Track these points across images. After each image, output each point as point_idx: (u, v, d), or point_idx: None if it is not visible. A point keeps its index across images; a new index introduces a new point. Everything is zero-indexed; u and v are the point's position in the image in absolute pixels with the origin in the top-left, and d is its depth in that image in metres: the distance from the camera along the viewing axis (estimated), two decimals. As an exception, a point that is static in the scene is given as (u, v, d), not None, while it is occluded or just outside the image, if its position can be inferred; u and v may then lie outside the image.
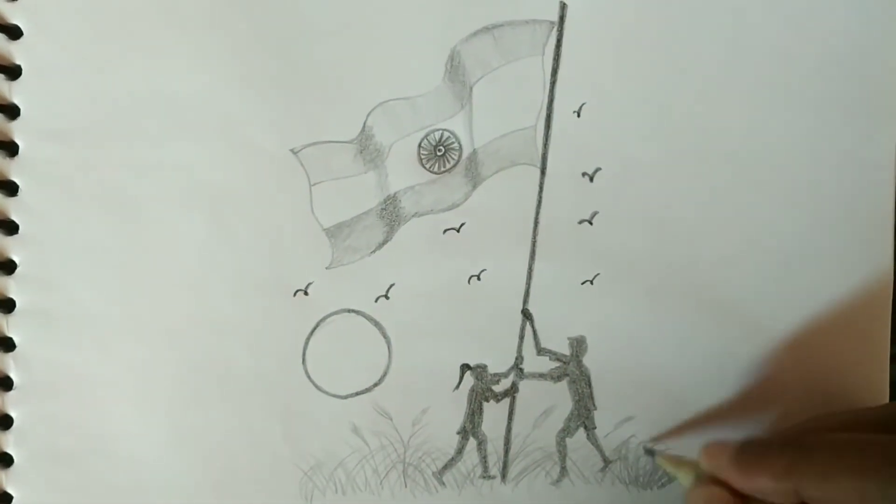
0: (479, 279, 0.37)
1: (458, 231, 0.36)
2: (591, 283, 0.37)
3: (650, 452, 0.37)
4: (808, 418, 0.34)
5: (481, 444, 0.37)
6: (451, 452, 0.37)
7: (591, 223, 0.37)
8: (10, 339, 0.35)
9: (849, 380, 0.38)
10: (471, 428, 0.37)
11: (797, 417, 0.38)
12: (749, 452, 0.30)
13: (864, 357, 0.38)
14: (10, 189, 0.35)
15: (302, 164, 0.36)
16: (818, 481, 0.28)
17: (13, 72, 0.34)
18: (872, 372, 0.38)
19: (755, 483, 0.29)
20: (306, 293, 0.36)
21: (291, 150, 0.36)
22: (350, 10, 0.35)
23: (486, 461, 0.37)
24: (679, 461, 0.34)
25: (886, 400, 0.38)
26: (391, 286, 0.36)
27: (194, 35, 0.35)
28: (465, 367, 0.37)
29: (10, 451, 0.35)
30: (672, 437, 0.37)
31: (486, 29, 0.35)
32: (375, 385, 0.37)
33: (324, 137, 0.36)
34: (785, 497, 0.29)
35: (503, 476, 0.37)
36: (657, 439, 0.37)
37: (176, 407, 0.36)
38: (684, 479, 0.33)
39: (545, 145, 0.36)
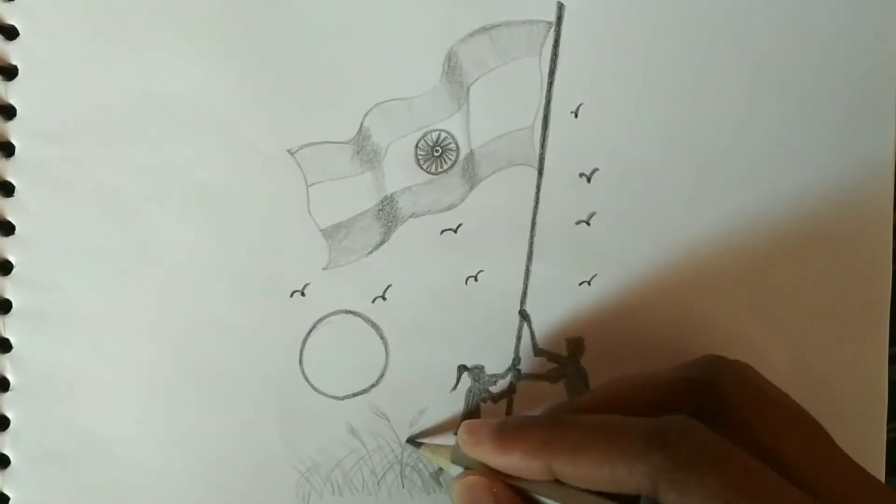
0: (476, 280, 0.36)
1: (455, 232, 0.36)
2: (589, 284, 0.37)
3: (415, 444, 0.36)
4: (585, 394, 0.35)
5: (478, 445, 0.37)
6: (449, 453, 0.37)
7: (588, 224, 0.37)
8: (7, 340, 0.35)
9: (848, 380, 0.38)
10: (468, 429, 0.37)
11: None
12: (508, 428, 0.30)
13: (864, 357, 0.38)
14: (7, 190, 0.35)
15: (299, 165, 0.36)
16: (568, 459, 0.28)
17: (9, 72, 0.34)
18: (872, 372, 0.38)
19: (510, 458, 0.30)
20: (303, 294, 0.36)
21: (288, 151, 0.35)
22: (347, 10, 0.35)
23: (483, 462, 0.37)
24: (437, 447, 0.34)
25: (885, 401, 0.38)
26: (388, 287, 0.36)
27: (191, 36, 0.35)
28: (462, 368, 0.37)
29: (6, 452, 0.35)
30: None
31: (484, 29, 0.35)
32: (373, 386, 0.37)
33: (320, 138, 0.36)
34: (541, 474, 0.29)
35: (500, 477, 0.37)
36: None
37: (172, 408, 0.36)
38: (444, 464, 0.33)
39: (542, 146, 0.36)
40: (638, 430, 0.28)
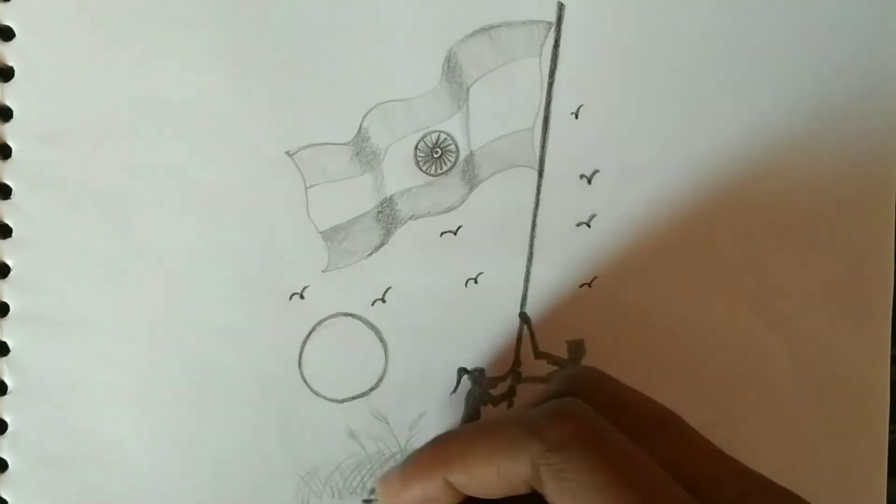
0: (476, 282, 0.36)
1: (455, 234, 0.36)
2: (590, 286, 0.37)
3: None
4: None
5: (479, 449, 0.37)
6: (449, 456, 0.37)
7: (589, 226, 0.36)
8: (4, 343, 0.35)
9: (849, 381, 0.38)
10: (468, 432, 0.37)
11: (796, 418, 0.38)
12: (408, 461, 0.29)
13: (865, 358, 0.38)
14: (3, 192, 0.35)
15: (297, 167, 0.35)
16: (459, 466, 0.27)
17: (5, 73, 0.34)
18: (872, 372, 0.38)
19: (413, 489, 0.28)
20: (302, 297, 0.36)
21: (287, 153, 0.35)
22: (346, 10, 0.35)
23: (483, 465, 0.37)
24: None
25: (887, 402, 0.38)
26: (388, 289, 0.36)
27: (189, 37, 0.34)
28: (462, 371, 0.37)
29: (4, 456, 0.35)
30: None
31: (483, 30, 0.35)
32: (372, 389, 0.36)
33: (319, 139, 0.35)
34: (448, 497, 0.28)
35: (501, 480, 0.37)
36: None
37: (171, 411, 0.36)
38: None
39: (543, 147, 0.36)
40: (518, 420, 0.27)
